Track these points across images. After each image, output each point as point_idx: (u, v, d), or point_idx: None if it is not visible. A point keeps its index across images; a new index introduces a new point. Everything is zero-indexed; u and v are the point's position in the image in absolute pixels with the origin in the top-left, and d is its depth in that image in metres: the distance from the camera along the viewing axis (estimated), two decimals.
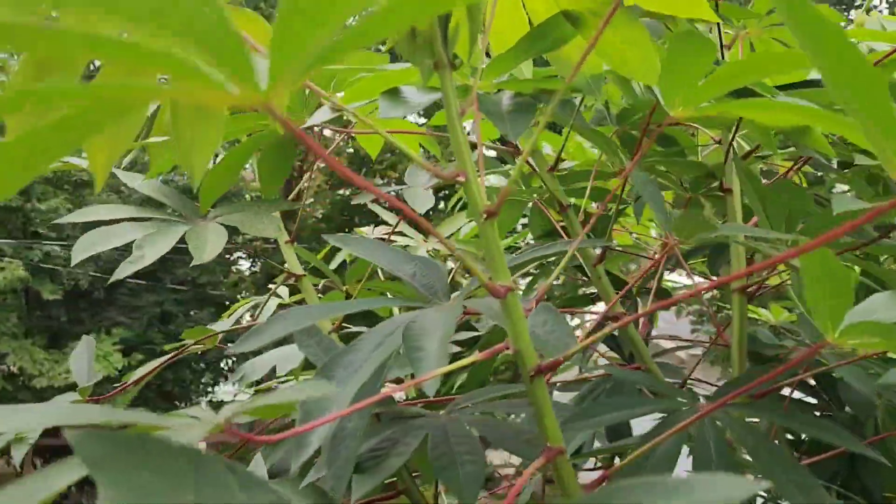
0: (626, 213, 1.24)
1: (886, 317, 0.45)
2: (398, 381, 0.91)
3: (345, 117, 0.87)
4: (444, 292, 0.67)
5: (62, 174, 10.28)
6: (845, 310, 0.41)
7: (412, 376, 0.82)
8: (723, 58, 0.88)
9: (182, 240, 0.73)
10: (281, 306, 1.47)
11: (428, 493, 0.86)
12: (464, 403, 0.70)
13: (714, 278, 1.20)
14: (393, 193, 1.09)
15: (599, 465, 1.19)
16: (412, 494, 0.81)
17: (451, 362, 0.82)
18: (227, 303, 12.20)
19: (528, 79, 0.66)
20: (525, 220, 1.26)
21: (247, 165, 0.92)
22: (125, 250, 0.71)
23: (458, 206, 1.54)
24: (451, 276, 1.14)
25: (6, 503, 0.25)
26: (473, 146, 0.49)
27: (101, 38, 0.21)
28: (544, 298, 0.58)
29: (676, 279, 1.80)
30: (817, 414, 1.03)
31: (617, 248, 1.29)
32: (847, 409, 1.01)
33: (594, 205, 1.13)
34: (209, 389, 12.85)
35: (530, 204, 1.10)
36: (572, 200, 0.91)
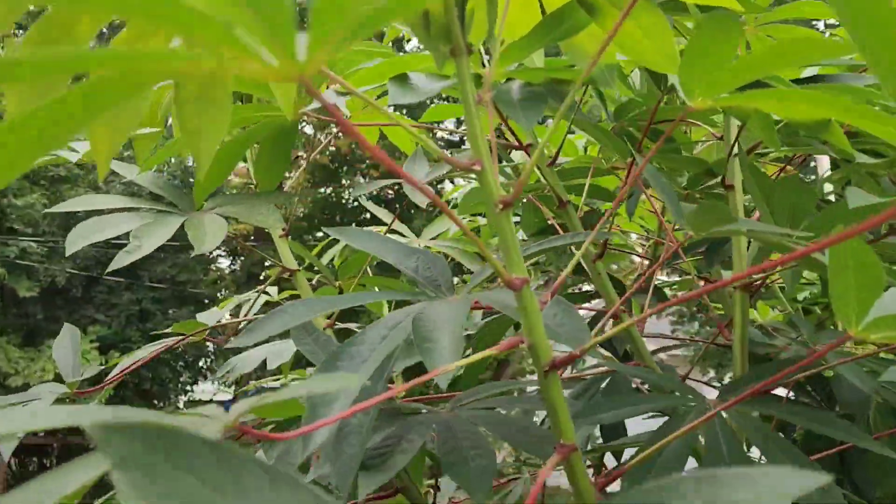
0: (617, 213, 1.24)
1: None
2: (406, 374, 0.90)
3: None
4: (448, 286, 0.65)
5: (39, 169, 10.14)
6: (872, 303, 0.40)
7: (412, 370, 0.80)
8: None
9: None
10: (269, 304, 1.45)
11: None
12: (465, 400, 0.69)
13: (702, 276, 1.20)
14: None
15: (588, 463, 1.18)
16: (410, 493, 0.79)
17: None
18: (207, 301, 12.11)
19: (539, 68, 0.65)
20: (516, 218, 1.25)
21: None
22: (104, 247, 0.69)
23: (450, 205, 1.53)
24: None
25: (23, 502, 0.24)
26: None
27: None
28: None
29: (661, 278, 1.80)
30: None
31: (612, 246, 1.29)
32: (837, 407, 1.01)
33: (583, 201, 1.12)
34: (188, 388, 12.74)
35: (524, 200, 1.09)
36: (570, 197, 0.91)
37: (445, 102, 1.04)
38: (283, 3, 0.23)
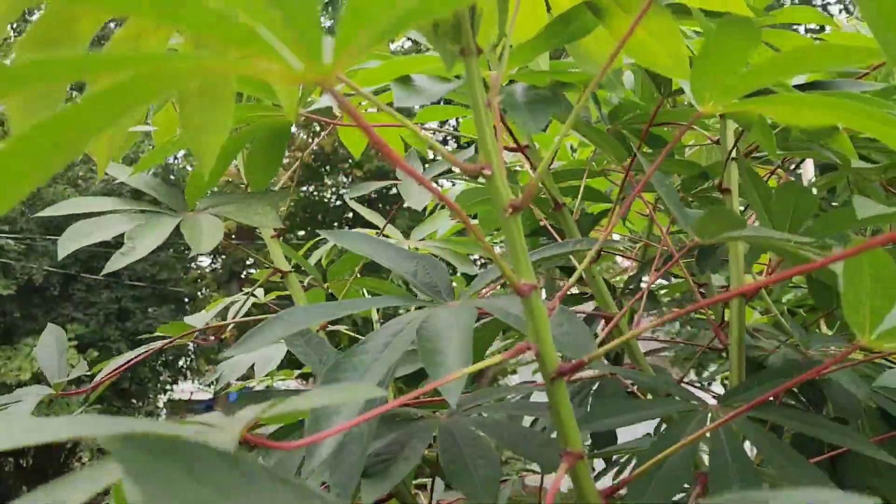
0: (608, 217, 1.23)
1: None
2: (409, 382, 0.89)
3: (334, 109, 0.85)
4: (448, 292, 0.65)
5: None
6: (888, 313, 0.40)
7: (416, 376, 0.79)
8: None
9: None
10: (256, 306, 1.43)
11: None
12: (465, 405, 0.68)
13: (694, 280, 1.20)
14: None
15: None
16: (404, 497, 0.79)
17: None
18: (187, 300, 12.01)
19: (544, 70, 0.64)
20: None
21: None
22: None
23: (436, 209, 1.52)
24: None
25: None
26: (445, 140, 0.48)
27: None
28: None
29: (646, 280, 1.80)
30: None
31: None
32: (824, 411, 1.01)
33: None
34: (167, 388, 12.63)
35: None
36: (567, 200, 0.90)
37: (437, 104, 1.03)
38: (312, 6, 0.22)
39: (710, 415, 0.61)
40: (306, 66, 0.23)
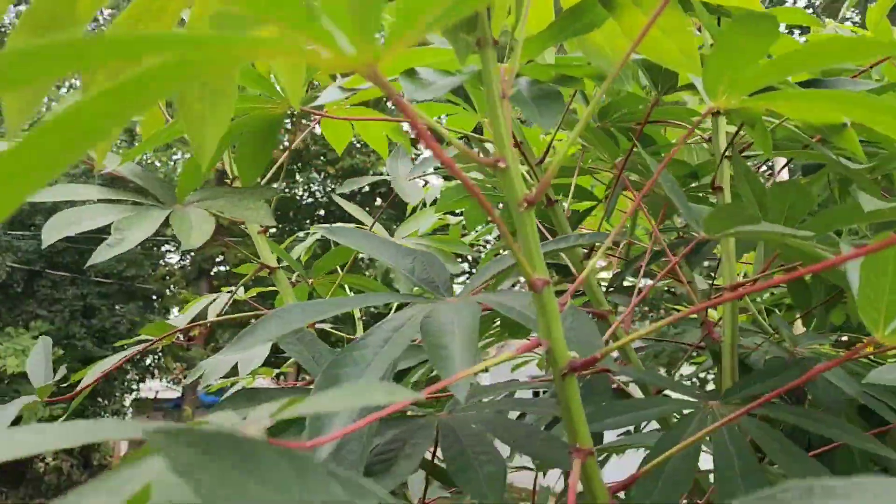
0: (593, 214, 1.23)
1: None
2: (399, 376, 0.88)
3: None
4: (446, 287, 0.64)
5: None
6: None
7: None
8: None
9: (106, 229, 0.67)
10: (237, 303, 1.41)
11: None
12: (465, 401, 0.67)
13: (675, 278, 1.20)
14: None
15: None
16: (395, 493, 0.78)
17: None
18: (155, 297, 11.85)
19: (549, 64, 0.63)
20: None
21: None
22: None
23: (427, 206, 1.51)
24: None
25: None
26: (439, 138, 0.47)
27: None
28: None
29: (631, 279, 1.81)
30: None
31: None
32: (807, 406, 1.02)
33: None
34: (133, 387, 12.46)
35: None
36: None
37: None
38: None
39: (710, 415, 0.61)
40: (359, 52, 0.22)
